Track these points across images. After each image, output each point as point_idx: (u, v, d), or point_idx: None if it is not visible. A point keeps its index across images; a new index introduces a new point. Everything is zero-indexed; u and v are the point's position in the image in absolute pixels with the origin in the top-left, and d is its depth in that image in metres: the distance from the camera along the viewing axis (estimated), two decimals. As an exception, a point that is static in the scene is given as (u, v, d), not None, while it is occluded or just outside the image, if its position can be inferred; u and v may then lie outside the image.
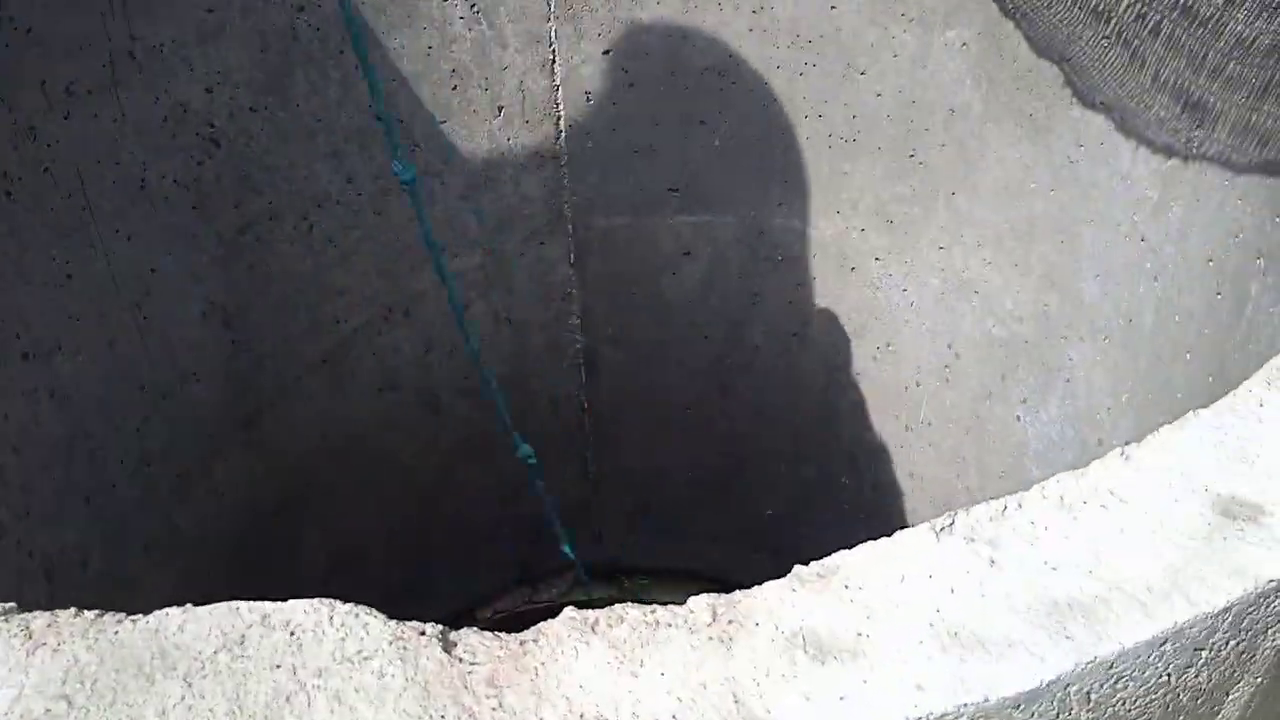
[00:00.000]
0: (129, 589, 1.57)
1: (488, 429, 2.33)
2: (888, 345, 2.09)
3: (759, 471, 2.46)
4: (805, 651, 0.52)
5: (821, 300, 2.14)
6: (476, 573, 2.54)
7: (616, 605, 0.55)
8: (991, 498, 1.81)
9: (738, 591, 0.55)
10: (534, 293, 2.24)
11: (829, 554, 2.14)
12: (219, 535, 1.84)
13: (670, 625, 0.53)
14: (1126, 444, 0.64)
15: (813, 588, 0.54)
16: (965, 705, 0.49)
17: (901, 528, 1.92)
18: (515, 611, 2.63)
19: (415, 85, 1.88)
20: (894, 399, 2.14)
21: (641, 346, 2.34)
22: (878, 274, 2.03)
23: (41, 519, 1.43)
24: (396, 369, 2.13)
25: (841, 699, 0.49)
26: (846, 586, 0.54)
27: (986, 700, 0.49)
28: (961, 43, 1.73)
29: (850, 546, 2.06)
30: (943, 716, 0.49)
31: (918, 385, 2.08)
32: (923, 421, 2.10)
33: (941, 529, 0.57)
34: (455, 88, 1.92)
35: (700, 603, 0.54)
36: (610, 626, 0.53)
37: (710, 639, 0.53)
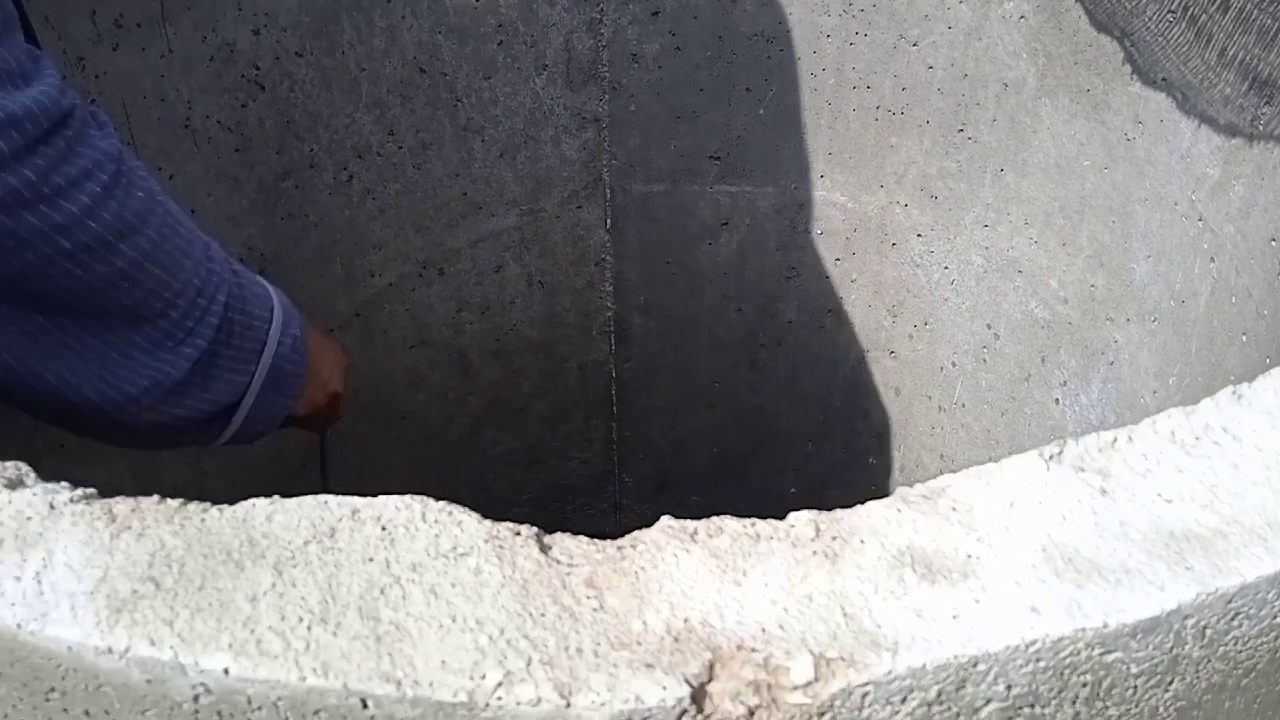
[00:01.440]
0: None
1: (516, 393, 2.32)
2: (925, 324, 2.07)
3: (785, 448, 2.45)
4: (913, 570, 0.50)
5: (859, 276, 2.12)
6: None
7: (715, 517, 0.53)
8: (1024, 481, 1.79)
9: (839, 510, 0.54)
10: (568, 256, 2.22)
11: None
12: (246, 485, 1.82)
13: (772, 538, 0.52)
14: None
15: (918, 508, 0.53)
16: (1083, 630, 0.48)
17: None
18: (533, 578, 2.62)
19: (460, 39, 1.86)
20: (928, 379, 2.12)
21: (673, 316, 2.33)
22: (919, 251, 2.01)
23: (74, 454, 1.42)
24: (428, 326, 2.12)
25: (955, 617, 0.48)
26: (954, 508, 0.53)
27: (1105, 627, 0.48)
28: (1020, 15, 1.70)
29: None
30: (1059, 641, 0.48)
31: (953, 365, 2.06)
32: (957, 402, 2.08)
33: (1050, 457, 0.55)
34: (500, 43, 1.90)
35: (802, 518, 0.53)
36: (710, 536, 0.52)
37: (814, 553, 0.51)
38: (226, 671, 0.46)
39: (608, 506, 2.67)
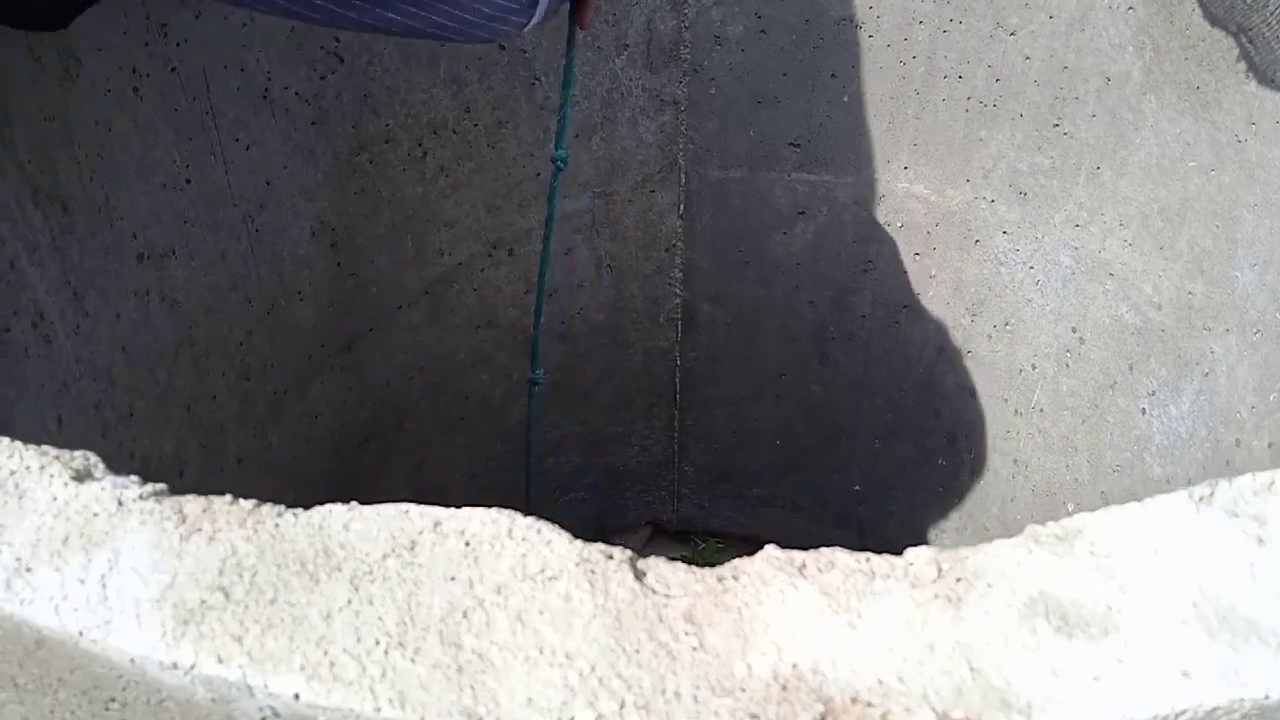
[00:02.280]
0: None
1: (580, 377, 2.29)
2: (1005, 324, 2.00)
3: (851, 445, 2.39)
4: (1048, 620, 0.45)
5: (939, 272, 2.05)
6: (552, 520, 2.51)
7: (824, 549, 0.49)
8: (1103, 492, 1.72)
9: (962, 548, 0.49)
10: (639, 241, 2.18)
11: (918, 535, 2.07)
12: (309, 457, 1.82)
13: (889, 576, 0.47)
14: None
15: (1052, 549, 0.48)
16: (1240, 700, 0.43)
17: (1000, 515, 1.84)
18: (589, 564, 2.60)
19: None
20: (1005, 381, 2.04)
21: (742, 306, 2.27)
22: (1004, 248, 1.93)
23: (143, 422, 1.41)
24: (495, 307, 2.09)
25: (1095, 679, 0.43)
26: (1092, 552, 0.48)
27: (1267, 699, 0.42)
28: (1128, 6, 1.62)
29: (942, 530, 1.98)
30: (1214, 710, 0.43)
31: (1033, 369, 1.98)
32: (1034, 407, 2.00)
33: (1200, 499, 0.50)
34: (581, 21, 1.86)
35: (922, 555, 0.48)
36: (820, 571, 0.47)
37: (936, 596, 0.46)
38: (297, 696, 0.43)
39: (666, 495, 2.63)
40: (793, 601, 0.46)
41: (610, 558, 0.48)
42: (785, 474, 2.49)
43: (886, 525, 2.40)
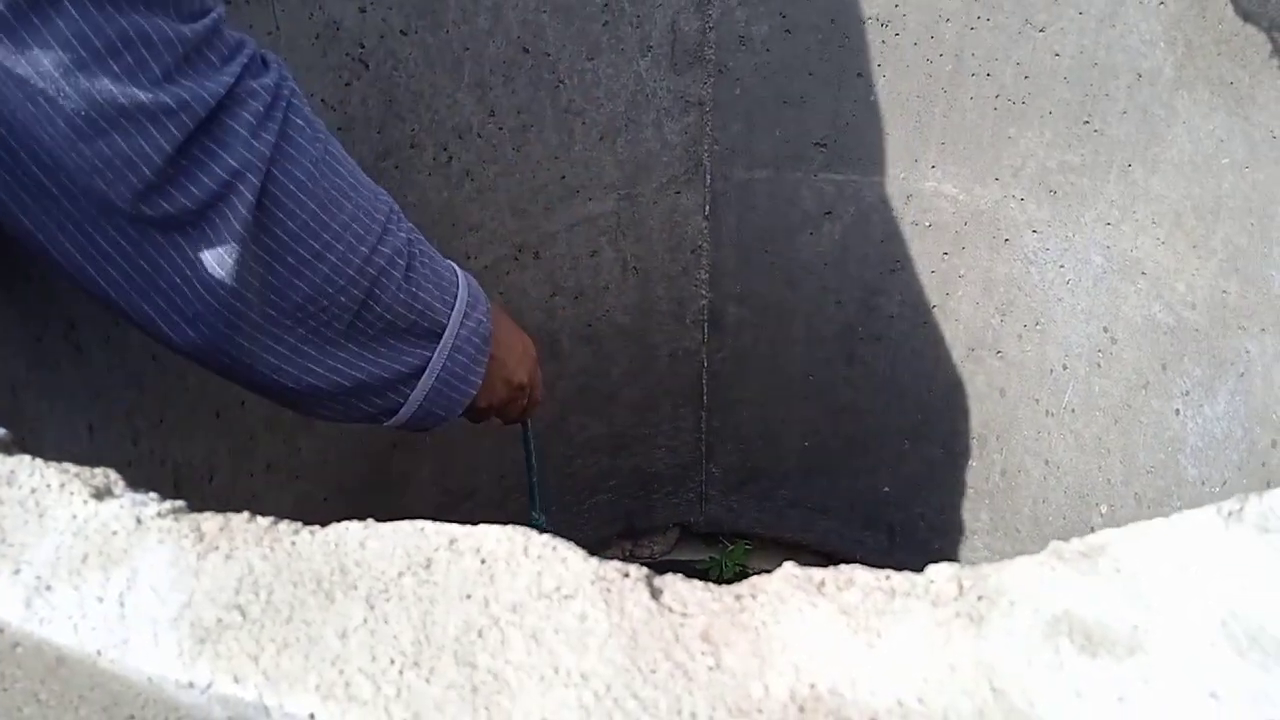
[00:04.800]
0: (252, 505, 1.56)
1: (606, 379, 2.29)
2: (1036, 324, 1.97)
3: (879, 446, 2.37)
4: (1071, 640, 0.44)
5: (968, 272, 2.03)
6: (580, 522, 2.51)
7: (844, 566, 0.48)
8: (1136, 493, 1.70)
9: (984, 565, 0.48)
10: (665, 242, 2.18)
11: (949, 537, 2.05)
12: (338, 462, 1.83)
13: (909, 594, 0.46)
14: None
15: (1076, 567, 0.47)
16: (1271, 723, 0.41)
17: (1031, 516, 1.81)
18: (617, 566, 2.60)
19: (565, 19, 1.82)
20: (1036, 381, 2.02)
21: (769, 307, 2.26)
22: (1034, 247, 1.91)
23: (174, 429, 1.43)
24: (521, 310, 2.09)
25: (1120, 700, 0.42)
26: (1117, 570, 0.47)
27: (1298, 720, 0.41)
28: (1159, 1, 1.59)
29: (973, 532, 1.96)
30: (1243, 733, 0.42)
31: (1064, 369, 1.96)
32: (1066, 407, 1.98)
33: (1230, 514, 0.49)
34: (606, 24, 1.86)
35: (943, 573, 0.47)
36: (839, 589, 0.47)
37: (957, 615, 0.46)
38: (312, 716, 0.43)
39: (693, 497, 2.63)
40: (811, 620, 0.46)
41: (626, 576, 0.47)
42: (813, 475, 2.48)
43: (916, 527, 2.38)
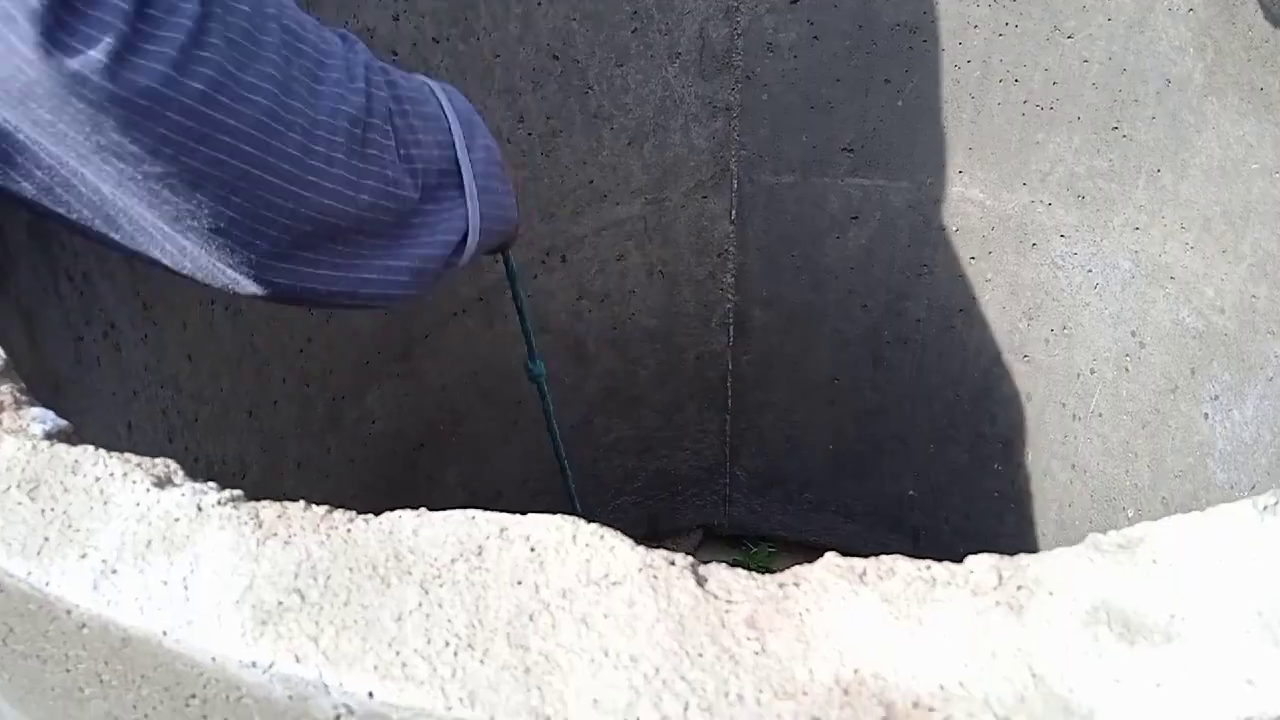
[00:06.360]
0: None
1: (632, 382, 2.30)
2: (1063, 329, 1.98)
3: (904, 449, 2.37)
4: (1110, 628, 0.45)
5: (995, 276, 2.03)
6: (604, 524, 2.52)
7: (884, 556, 0.49)
8: (1164, 497, 1.70)
9: (1023, 555, 0.49)
10: (691, 246, 2.19)
11: (975, 541, 2.04)
12: (366, 462, 1.85)
13: (949, 584, 0.48)
14: None
15: (1114, 559, 0.48)
16: (1307, 710, 0.42)
17: (1057, 520, 1.81)
18: (642, 569, 2.61)
19: (595, 25, 1.84)
20: (1063, 386, 2.02)
21: (795, 311, 2.27)
22: (1061, 252, 1.91)
23: (207, 428, 1.45)
24: (548, 313, 2.11)
25: (1158, 686, 0.43)
26: (1154, 561, 0.48)
27: (1334, 707, 0.42)
28: (1188, 8, 1.59)
29: (998, 536, 1.96)
30: (1278, 719, 0.42)
31: (1092, 373, 1.96)
32: (1093, 412, 1.98)
33: (1265, 508, 0.49)
34: (635, 30, 1.88)
35: (982, 563, 0.48)
36: (880, 578, 0.48)
37: (997, 604, 0.47)
38: (371, 695, 0.44)
39: (718, 499, 2.64)
40: (854, 608, 0.47)
41: (672, 564, 0.49)
42: (838, 479, 2.48)
43: (941, 530, 2.38)
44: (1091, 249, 1.86)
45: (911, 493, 2.41)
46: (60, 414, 1.11)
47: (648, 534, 2.61)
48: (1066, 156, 1.83)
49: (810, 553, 2.61)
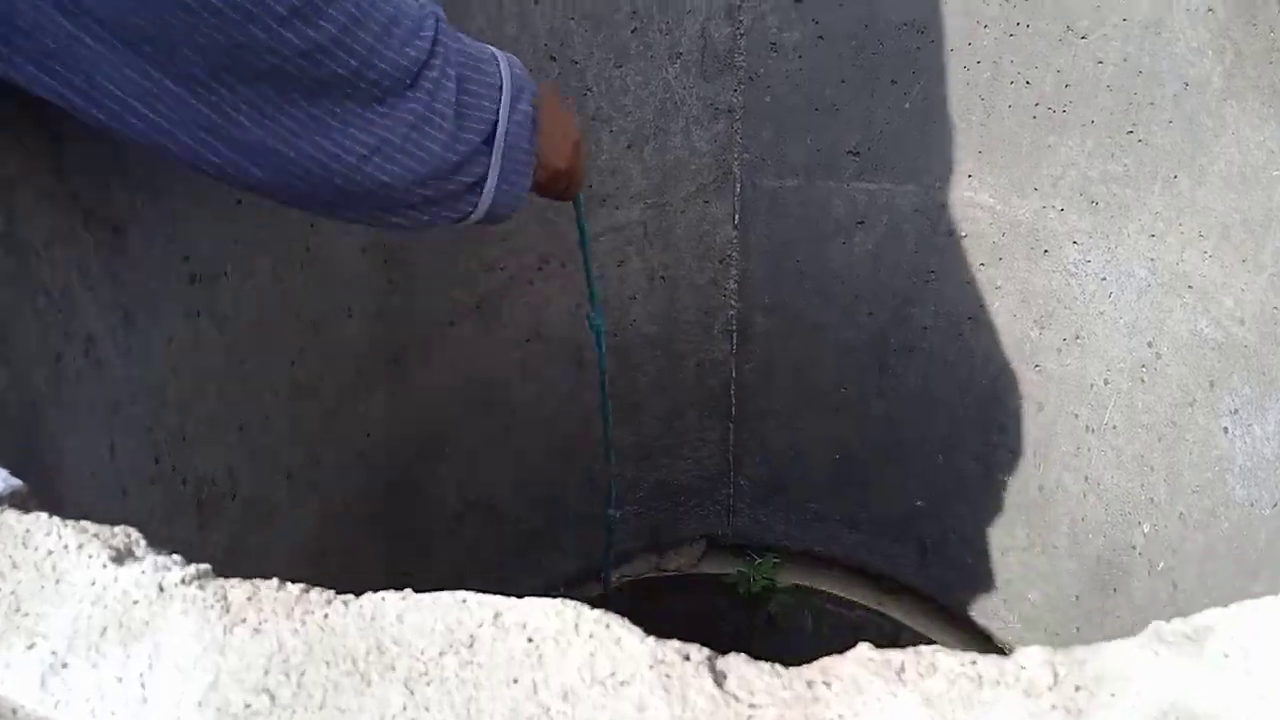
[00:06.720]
0: (273, 516, 1.54)
1: (632, 389, 2.25)
2: (1076, 338, 1.92)
3: (911, 459, 2.32)
4: (1180, 737, 0.40)
5: (1005, 283, 1.98)
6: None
7: (923, 648, 0.44)
8: (1181, 513, 1.64)
9: (1078, 648, 0.44)
10: (693, 252, 2.14)
11: (983, 554, 1.98)
12: (360, 471, 1.81)
13: (999, 683, 0.42)
14: None
15: (1182, 651, 0.43)
16: None
17: (1069, 533, 1.76)
18: (642, 578, 2.57)
19: (593, 26, 1.78)
20: (1076, 396, 1.97)
21: (799, 317, 2.22)
22: (1074, 259, 1.86)
23: (195, 443, 1.40)
24: (545, 320, 2.06)
25: (1240, 809, 0.38)
26: (1226, 654, 0.43)
27: None
28: (1207, 8, 1.54)
29: (1007, 549, 1.90)
30: None
31: (1106, 384, 1.91)
32: (1107, 424, 1.93)
33: (1348, 593, 0.44)
34: (634, 30, 1.82)
35: (1035, 658, 0.43)
36: (921, 676, 0.43)
37: (1053, 707, 0.42)
38: (349, 818, 0.39)
39: (720, 509, 2.59)
40: (892, 712, 0.42)
41: (687, 659, 0.44)
42: (843, 488, 2.43)
43: (948, 541, 2.33)
44: (1106, 256, 1.81)
45: (918, 503, 2.36)
46: (39, 434, 1.05)
47: (649, 545, 2.56)
48: (1080, 161, 1.77)
49: (817, 563, 2.56)
